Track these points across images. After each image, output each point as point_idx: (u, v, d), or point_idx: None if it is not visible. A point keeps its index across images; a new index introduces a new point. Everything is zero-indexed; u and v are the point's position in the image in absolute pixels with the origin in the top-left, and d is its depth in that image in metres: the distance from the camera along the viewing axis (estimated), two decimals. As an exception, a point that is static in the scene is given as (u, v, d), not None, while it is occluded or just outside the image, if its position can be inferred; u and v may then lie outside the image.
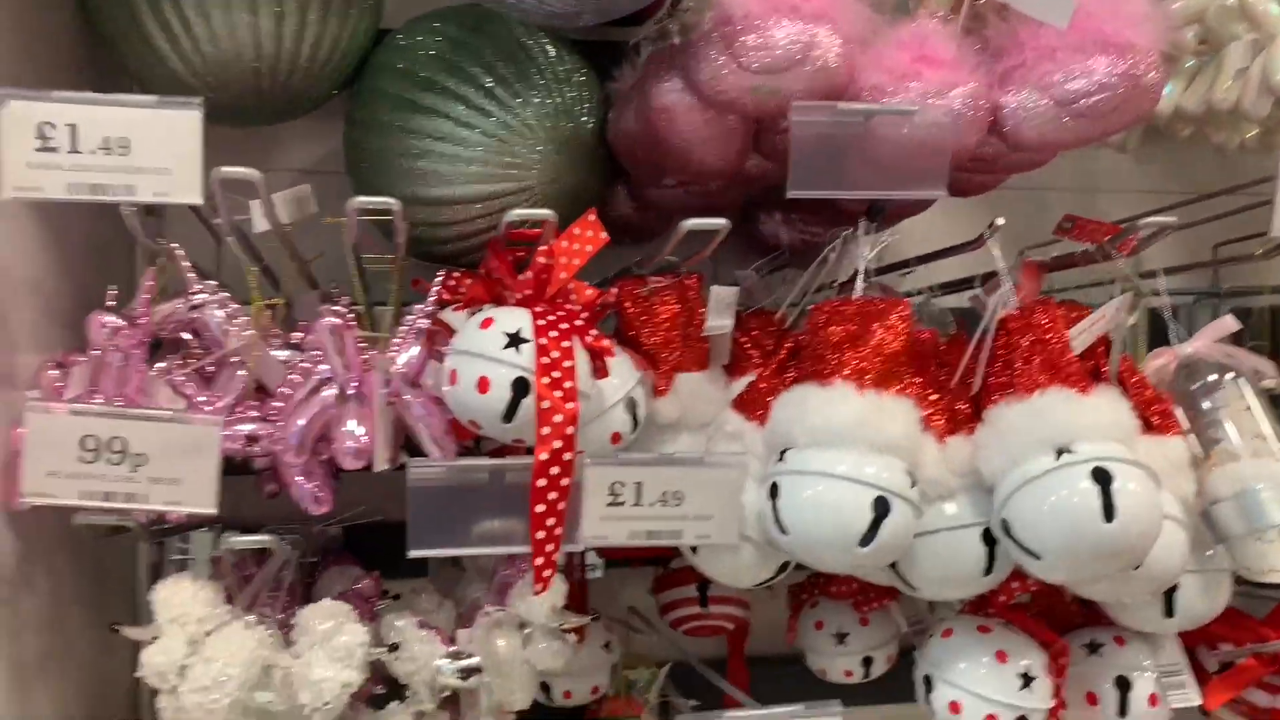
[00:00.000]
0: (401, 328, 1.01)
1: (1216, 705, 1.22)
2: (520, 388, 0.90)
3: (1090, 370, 1.03)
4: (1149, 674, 1.16)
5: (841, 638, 1.33)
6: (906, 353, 1.00)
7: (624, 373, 0.99)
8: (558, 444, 0.90)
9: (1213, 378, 1.14)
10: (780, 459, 0.99)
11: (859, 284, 1.02)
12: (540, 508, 0.92)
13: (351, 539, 1.30)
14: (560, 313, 0.95)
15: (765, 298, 1.19)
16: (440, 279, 1.04)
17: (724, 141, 1.07)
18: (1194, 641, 1.22)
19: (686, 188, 1.21)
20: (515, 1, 1.06)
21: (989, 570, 1.00)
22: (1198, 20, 1.30)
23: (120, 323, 0.95)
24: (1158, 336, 1.22)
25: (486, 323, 0.94)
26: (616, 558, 1.31)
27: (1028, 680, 1.08)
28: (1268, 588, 1.18)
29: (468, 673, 1.04)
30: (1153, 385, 1.11)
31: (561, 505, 0.93)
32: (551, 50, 1.18)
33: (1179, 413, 1.11)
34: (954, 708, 1.09)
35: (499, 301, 0.99)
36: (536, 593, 0.98)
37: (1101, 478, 0.91)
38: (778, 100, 0.98)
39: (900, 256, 1.19)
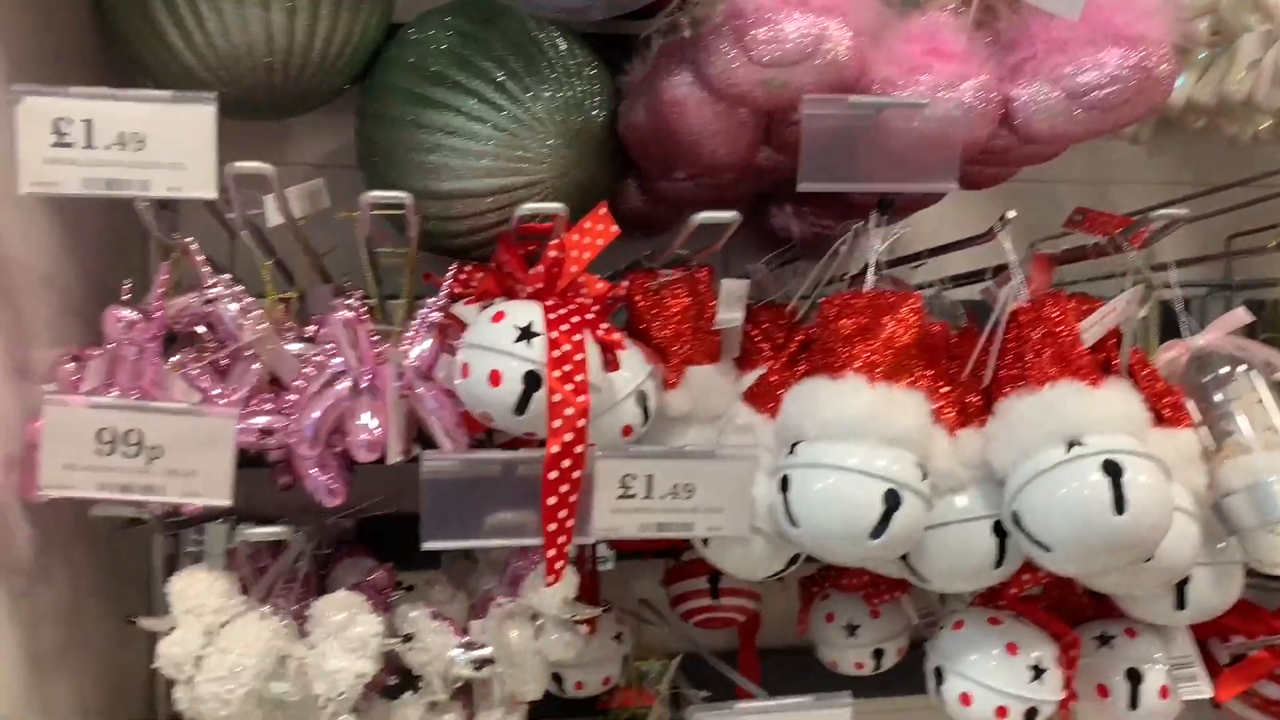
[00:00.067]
0: (414, 321, 1.01)
1: (1228, 698, 1.22)
2: (532, 381, 0.91)
3: (1101, 363, 1.03)
4: (1160, 666, 1.16)
5: (852, 630, 1.33)
6: (918, 345, 1.00)
7: (635, 366, 0.99)
8: (569, 437, 0.91)
9: (1225, 370, 1.13)
10: (791, 452, 0.99)
11: (870, 277, 1.02)
12: (552, 500, 0.93)
13: (364, 531, 1.31)
14: (571, 306, 0.96)
15: (776, 291, 1.20)
16: (452, 273, 1.05)
17: (735, 134, 1.08)
18: (1205, 634, 1.22)
19: (697, 181, 1.21)
20: (526, -5, 1.06)
21: (1000, 563, 1.00)
22: (1210, 12, 1.30)
23: (136, 317, 0.96)
24: (1169, 329, 1.21)
25: (498, 316, 0.94)
26: (627, 550, 1.31)
27: (1039, 672, 1.09)
28: (1280, 580, 1.18)
29: (481, 663, 1.04)
30: (1164, 378, 1.11)
31: (573, 498, 0.94)
32: (562, 44, 1.18)
33: (1190, 405, 1.11)
34: (965, 699, 1.10)
35: (510, 295, 0.99)
36: (548, 584, 0.98)
37: (1112, 470, 0.91)
38: (788, 93, 0.98)
39: (911, 249, 1.19)
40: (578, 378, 0.91)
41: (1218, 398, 1.12)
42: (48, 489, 0.90)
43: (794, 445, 0.99)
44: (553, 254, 0.95)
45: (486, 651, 1.05)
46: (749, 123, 1.07)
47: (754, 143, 1.11)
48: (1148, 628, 1.18)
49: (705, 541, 1.08)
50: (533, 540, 0.96)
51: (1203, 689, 1.17)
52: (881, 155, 0.98)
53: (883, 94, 0.98)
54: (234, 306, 1.00)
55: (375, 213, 0.99)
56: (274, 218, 0.98)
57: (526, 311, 0.94)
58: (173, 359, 0.99)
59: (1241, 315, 1.17)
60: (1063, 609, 1.19)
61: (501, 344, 0.92)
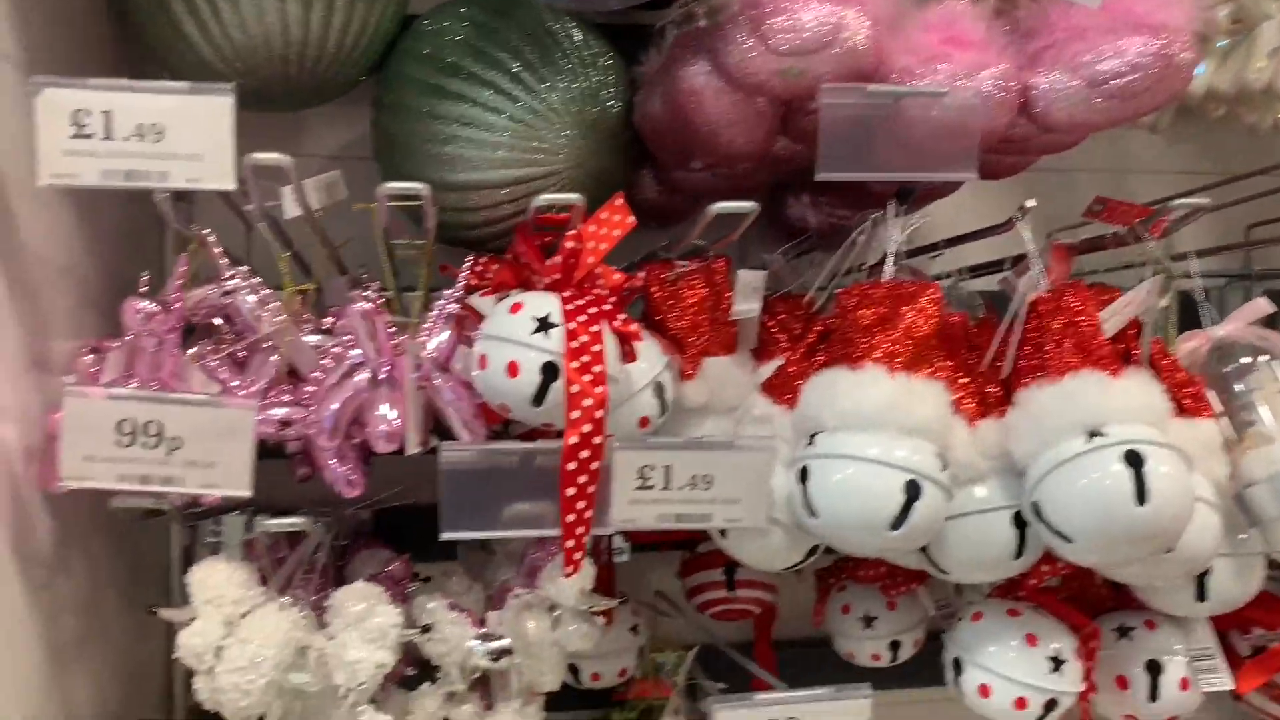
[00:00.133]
0: (431, 313, 1.01)
1: (1249, 689, 1.21)
2: (550, 372, 0.91)
3: (1121, 353, 1.02)
4: (1180, 658, 1.15)
5: (869, 622, 1.33)
6: (937, 336, 1.00)
7: (651, 357, 0.99)
8: (587, 428, 0.90)
9: (1245, 360, 1.13)
10: (810, 442, 0.99)
11: (889, 267, 1.02)
12: (570, 491, 0.93)
13: (380, 522, 1.31)
14: (589, 297, 0.95)
15: (792, 281, 1.19)
16: (468, 264, 1.05)
17: (752, 124, 1.07)
18: (1226, 625, 1.21)
19: (713, 171, 1.21)
20: (541, -15, 1.06)
21: (1019, 553, 1.00)
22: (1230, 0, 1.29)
23: (155, 308, 0.96)
24: (1188, 319, 1.21)
25: (516, 307, 0.94)
26: (643, 541, 1.31)
27: (1058, 664, 1.08)
28: (1301, 571, 1.17)
29: (498, 654, 1.05)
30: (1184, 368, 1.10)
31: (591, 489, 0.93)
32: (577, 34, 1.18)
33: (1211, 396, 1.10)
34: (983, 691, 1.09)
35: (526, 286, 0.99)
36: (567, 575, 0.98)
37: (1134, 460, 0.91)
38: (806, 82, 0.98)
39: (927, 239, 1.18)
40: (596, 369, 0.91)
41: (1239, 388, 1.11)
42: (68, 480, 0.90)
43: (813, 436, 0.99)
44: (570, 245, 0.95)
45: (504, 642, 1.05)
46: (766, 112, 1.07)
47: (771, 132, 1.10)
48: (1167, 619, 1.17)
49: (723, 533, 1.08)
50: (551, 531, 0.96)
51: (1223, 681, 1.17)
52: (900, 144, 0.97)
53: (901, 83, 0.98)
54: (252, 298, 1.00)
55: (392, 204, 0.99)
56: (292, 209, 0.98)
57: (544, 303, 0.94)
58: (191, 350, 0.99)
59: (1263, 305, 1.16)
60: (1081, 600, 1.19)
61: (519, 335, 0.92)
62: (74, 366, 0.98)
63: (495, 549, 1.20)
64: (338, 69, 1.17)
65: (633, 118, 1.20)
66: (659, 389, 0.99)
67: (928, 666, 1.23)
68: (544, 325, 0.92)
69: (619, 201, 0.98)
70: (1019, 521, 0.99)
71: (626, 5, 1.08)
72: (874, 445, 0.94)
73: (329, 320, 1.05)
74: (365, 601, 0.98)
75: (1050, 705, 1.08)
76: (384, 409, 0.96)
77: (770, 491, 1.02)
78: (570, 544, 0.95)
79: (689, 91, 1.05)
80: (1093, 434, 0.93)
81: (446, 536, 0.96)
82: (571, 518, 0.94)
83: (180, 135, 0.86)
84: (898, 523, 0.93)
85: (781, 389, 1.06)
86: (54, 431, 0.92)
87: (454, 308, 1.01)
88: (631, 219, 0.97)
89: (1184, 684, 1.15)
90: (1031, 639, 1.09)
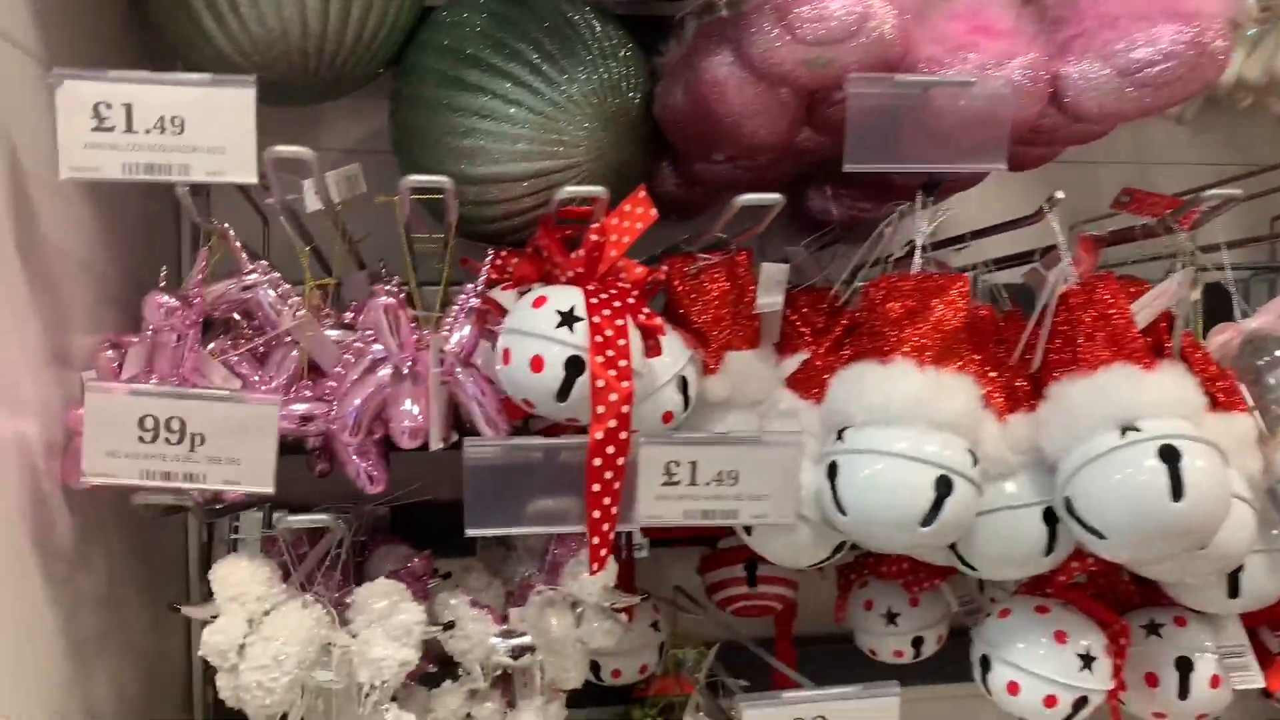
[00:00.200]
0: (453, 307, 1.00)
1: (1280, 687, 1.20)
2: (574, 366, 0.89)
3: (1153, 346, 1.01)
4: (1211, 655, 1.14)
5: (892, 618, 1.32)
6: (966, 329, 0.98)
7: (675, 351, 0.98)
8: (613, 423, 0.89)
9: (1279, 353, 1.11)
10: (838, 438, 0.98)
11: (917, 259, 1.00)
12: (596, 487, 0.92)
13: (397, 518, 1.30)
14: (613, 291, 0.94)
15: (815, 275, 1.18)
16: (490, 258, 1.03)
17: (776, 115, 1.06)
18: (1256, 622, 1.19)
19: (735, 163, 1.19)
20: (562, -25, 1.05)
21: (1050, 550, 0.99)
22: (1261, -13, 1.27)
23: (176, 303, 0.95)
24: (1215, 312, 1.19)
25: (539, 301, 0.93)
26: (662, 538, 1.30)
27: (1088, 661, 1.07)
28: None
29: (521, 651, 1.04)
30: (1216, 361, 1.09)
31: (617, 484, 0.92)
32: (597, 25, 1.16)
33: (1243, 389, 1.08)
34: (1012, 688, 1.08)
35: (548, 280, 0.98)
36: (592, 572, 0.97)
37: (1169, 456, 0.89)
38: (832, 72, 0.96)
39: (951, 231, 1.16)
40: (621, 363, 0.89)
41: (1272, 381, 1.10)
42: (91, 476, 0.90)
43: (841, 431, 0.98)
44: (594, 238, 0.94)
45: (527, 639, 1.04)
46: (790, 103, 1.06)
47: (795, 123, 1.09)
48: (1197, 616, 1.16)
49: (749, 529, 1.07)
50: (575, 527, 0.95)
51: (1255, 678, 1.15)
52: (928, 135, 0.96)
53: (928, 73, 0.96)
54: (272, 293, 1.00)
55: (413, 198, 0.98)
56: (312, 203, 0.97)
57: (568, 296, 0.92)
58: (211, 346, 0.98)
59: (1296, 297, 1.14)
60: (1108, 597, 1.17)
61: (543, 329, 0.91)
62: (94, 362, 0.97)
63: (514, 544, 1.19)
64: (355, 62, 1.16)
65: (653, 109, 1.19)
66: (683, 383, 0.98)
67: (952, 662, 1.22)
68: (568, 319, 0.90)
69: (641, 194, 0.97)
70: (1050, 517, 0.98)
71: (647, -5, 1.07)
72: (903, 440, 0.93)
73: (349, 315, 1.04)
74: (389, 598, 0.97)
75: (1080, 703, 1.07)
76: (407, 404, 0.95)
77: (798, 487, 1.01)
78: (596, 540, 0.94)
79: (711, 82, 1.04)
80: (1126, 429, 0.92)
81: (471, 533, 0.95)
82: (597, 514, 0.93)
83: (202, 128, 0.85)
84: (929, 519, 0.92)
85: (808, 383, 1.05)
86: (75, 427, 0.92)
87: (476, 302, 1.00)
88: (654, 212, 0.96)
89: (1215, 681, 1.13)
90: (1061, 636, 1.08)
